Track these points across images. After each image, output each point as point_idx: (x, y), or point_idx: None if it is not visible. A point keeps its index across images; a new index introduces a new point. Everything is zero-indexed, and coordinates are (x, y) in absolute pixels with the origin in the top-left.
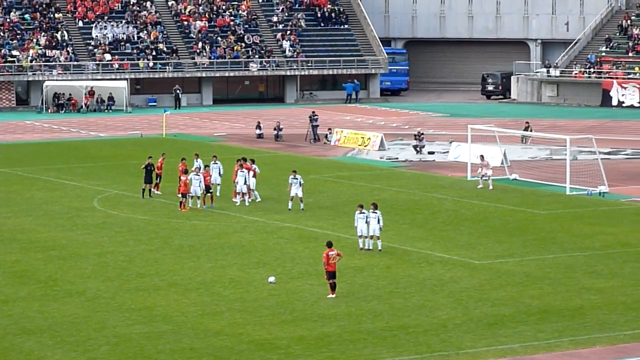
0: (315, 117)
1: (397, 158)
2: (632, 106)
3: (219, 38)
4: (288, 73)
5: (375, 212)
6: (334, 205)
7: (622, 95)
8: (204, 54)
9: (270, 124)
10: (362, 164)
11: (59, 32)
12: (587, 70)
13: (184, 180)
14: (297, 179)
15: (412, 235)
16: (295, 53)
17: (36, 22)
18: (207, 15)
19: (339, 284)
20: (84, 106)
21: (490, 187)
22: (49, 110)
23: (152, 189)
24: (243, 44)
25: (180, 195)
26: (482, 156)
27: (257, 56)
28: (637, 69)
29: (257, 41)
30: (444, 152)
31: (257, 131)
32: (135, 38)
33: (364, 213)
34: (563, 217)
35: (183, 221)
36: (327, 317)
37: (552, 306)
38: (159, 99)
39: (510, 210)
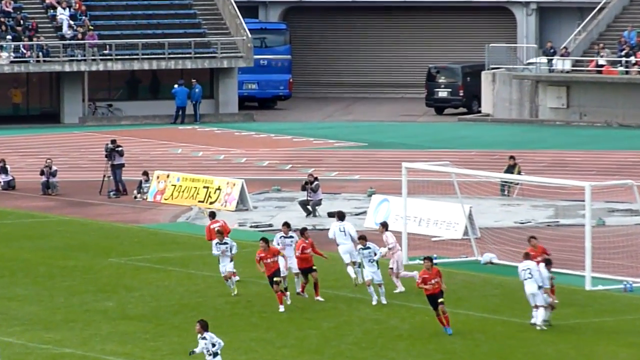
0: (118, 149)
1: (270, 225)
2: None
3: None
4: (67, 68)
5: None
6: (151, 315)
7: None
8: None
9: (34, 163)
10: (203, 236)
11: None
12: None
13: None
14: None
15: None
16: (81, 32)
17: None
18: None
19: None
20: None
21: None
22: None
23: None
24: None
25: None
26: (383, 224)
27: (9, 37)
28: None
29: (10, 9)
30: (357, 214)
31: (2, 177)
32: None
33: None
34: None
35: None
36: None
37: None
38: None
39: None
